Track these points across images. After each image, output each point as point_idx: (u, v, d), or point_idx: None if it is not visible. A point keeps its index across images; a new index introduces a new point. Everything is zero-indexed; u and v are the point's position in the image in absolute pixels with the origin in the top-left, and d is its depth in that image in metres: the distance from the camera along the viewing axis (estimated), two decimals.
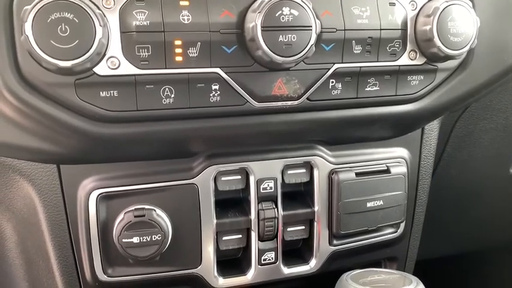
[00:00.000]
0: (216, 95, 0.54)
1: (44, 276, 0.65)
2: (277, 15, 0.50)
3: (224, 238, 0.64)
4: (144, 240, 0.58)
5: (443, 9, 0.58)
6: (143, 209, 0.59)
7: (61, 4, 0.45)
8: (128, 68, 0.50)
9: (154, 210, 0.59)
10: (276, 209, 0.65)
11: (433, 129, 0.75)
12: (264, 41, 0.50)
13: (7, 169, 0.58)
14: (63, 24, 0.45)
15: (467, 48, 0.59)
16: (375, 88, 0.60)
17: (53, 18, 0.45)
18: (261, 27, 0.50)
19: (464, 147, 0.92)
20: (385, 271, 0.57)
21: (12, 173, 0.59)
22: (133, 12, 0.49)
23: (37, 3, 0.45)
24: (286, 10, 0.51)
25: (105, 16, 0.48)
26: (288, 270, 0.68)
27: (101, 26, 0.46)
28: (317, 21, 0.52)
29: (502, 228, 1.17)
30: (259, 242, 0.65)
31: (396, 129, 0.69)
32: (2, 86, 0.49)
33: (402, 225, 0.73)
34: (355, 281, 0.53)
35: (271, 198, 0.65)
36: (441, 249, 1.20)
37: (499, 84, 0.72)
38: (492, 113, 0.88)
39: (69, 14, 0.46)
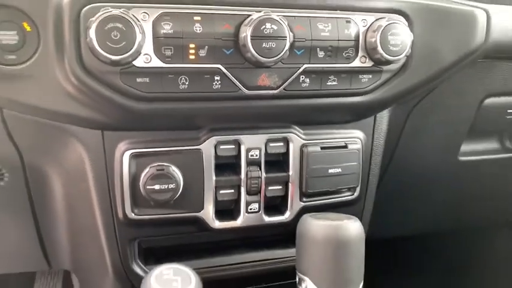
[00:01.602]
0: (217, 83, 0.76)
1: (84, 215, 0.86)
2: (261, 28, 0.72)
3: (221, 192, 0.86)
4: (162, 188, 0.79)
5: (385, 26, 0.79)
6: (163, 165, 0.80)
7: (114, 17, 0.67)
8: (156, 62, 0.72)
9: (171, 167, 0.81)
10: (260, 172, 0.86)
11: (383, 117, 0.97)
12: (252, 47, 0.72)
13: (65, 133, 0.80)
14: (115, 31, 0.67)
15: (403, 55, 0.81)
16: (334, 83, 0.82)
17: (109, 26, 0.67)
18: (250, 36, 0.71)
19: (417, 137, 1.12)
20: (334, 213, 0.79)
21: (69, 136, 0.80)
22: (162, 24, 0.71)
23: (98, 17, 0.66)
24: (268, 25, 0.72)
25: (142, 26, 0.69)
26: (268, 219, 0.89)
27: (140, 33, 0.68)
28: (290, 33, 0.74)
29: (453, 210, 1.38)
30: (247, 195, 0.87)
31: (352, 115, 0.91)
32: (69, 73, 0.71)
33: (358, 189, 0.95)
34: (312, 217, 0.74)
35: (256, 163, 0.86)
36: (399, 230, 1.39)
37: (434, 83, 0.94)
38: (438, 109, 1.08)
39: (119, 24, 0.67)
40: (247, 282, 0.98)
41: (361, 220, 0.75)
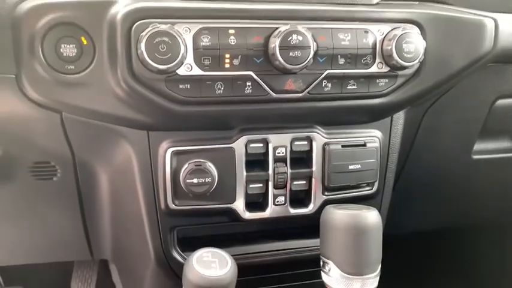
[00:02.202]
0: (249, 88, 0.85)
1: (129, 207, 0.97)
2: (288, 39, 0.81)
3: (251, 186, 0.95)
4: (200, 181, 0.89)
5: (400, 35, 0.87)
6: (200, 161, 0.90)
7: (161, 32, 0.77)
8: (196, 71, 0.81)
9: (207, 163, 0.90)
10: (286, 168, 0.95)
11: (399, 117, 1.05)
12: (280, 55, 0.81)
13: (115, 133, 0.90)
14: (162, 44, 0.77)
15: (417, 61, 0.89)
16: (354, 87, 0.91)
17: (157, 40, 0.77)
18: (278, 47, 0.81)
19: (431, 136, 1.20)
20: (354, 205, 0.87)
21: (118, 136, 0.91)
22: (201, 37, 0.81)
23: (148, 32, 0.77)
24: (294, 36, 0.81)
25: (185, 39, 0.79)
26: (293, 211, 0.98)
27: (183, 45, 0.78)
28: (314, 43, 0.83)
29: (466, 207, 1.44)
30: (274, 189, 0.96)
31: (370, 116, 1.00)
32: (121, 80, 0.81)
33: (376, 184, 1.03)
34: (334, 208, 0.83)
35: (283, 160, 0.96)
36: (413, 226, 1.46)
37: (446, 86, 1.01)
38: (451, 109, 1.16)
39: (166, 38, 0.77)
40: (274, 269, 1.07)
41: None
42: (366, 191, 1.03)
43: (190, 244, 1.02)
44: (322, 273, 0.84)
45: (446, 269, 1.84)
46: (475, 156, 1.29)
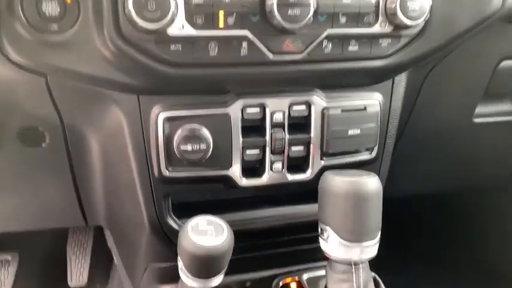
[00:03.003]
0: (244, 50, 0.81)
1: (122, 174, 0.94)
2: None
3: (247, 152, 0.92)
4: (195, 148, 0.86)
5: None
6: (194, 127, 0.86)
7: None
8: (188, 30, 0.76)
9: (201, 129, 0.87)
10: (283, 133, 0.92)
11: (401, 80, 1.01)
12: (278, 13, 0.76)
13: (103, 97, 0.86)
14: (151, 1, 0.72)
15: (422, 20, 0.84)
16: (355, 48, 0.86)
17: None
18: (276, 4, 0.75)
19: (433, 99, 1.16)
20: (354, 170, 0.85)
21: (107, 100, 0.86)
22: None
23: None
24: None
25: None
26: (290, 177, 0.96)
27: (173, 2, 0.72)
28: (314, 0, 0.77)
29: (465, 170, 1.43)
30: (271, 155, 0.93)
31: (372, 78, 0.95)
32: (108, 41, 0.76)
33: (375, 149, 1.00)
34: (333, 174, 0.81)
35: (280, 125, 0.92)
36: (412, 189, 1.45)
37: (451, 47, 0.97)
38: (454, 72, 1.12)
39: None
40: (271, 235, 1.06)
41: None
42: (365, 156, 1.00)
43: (186, 210, 1.00)
44: (320, 239, 0.82)
45: (444, 232, 1.85)
46: (476, 120, 1.26)
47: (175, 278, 1.10)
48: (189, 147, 0.86)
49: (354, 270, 0.79)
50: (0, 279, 1.59)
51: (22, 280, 1.73)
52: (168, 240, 0.98)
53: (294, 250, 1.09)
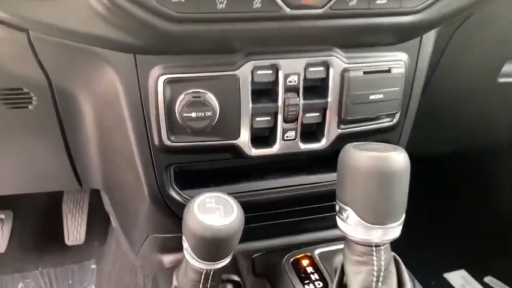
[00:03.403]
0: (257, 2, 0.69)
1: (118, 141, 0.85)
2: None
3: (257, 119, 0.83)
4: (199, 115, 0.76)
5: None
6: (199, 92, 0.77)
7: None
8: None
9: (207, 94, 0.77)
10: (298, 98, 0.82)
11: (429, 38, 0.90)
12: None
13: (95, 57, 0.75)
14: None
15: None
16: (384, 1, 0.75)
17: None
18: None
19: (458, 58, 1.06)
20: (377, 143, 0.76)
21: (99, 60, 0.76)
22: None
23: None
24: None
25: None
26: (303, 146, 0.87)
27: None
28: None
29: (488, 131, 1.36)
30: (284, 123, 0.84)
31: (399, 36, 0.84)
32: None
33: (397, 115, 0.91)
34: (355, 147, 0.72)
35: (294, 89, 0.82)
36: (433, 149, 1.39)
37: (484, 3, 0.86)
38: (483, 29, 1.01)
39: None
40: (282, 206, 0.99)
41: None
42: (386, 123, 0.91)
43: (189, 180, 0.92)
44: (339, 219, 0.75)
45: (463, 192, 1.81)
46: (501, 79, 1.17)
47: (177, 248, 1.05)
48: (193, 114, 0.76)
49: (374, 252, 0.72)
50: None
51: (17, 239, 1.69)
52: (170, 212, 0.91)
53: (305, 219, 1.03)
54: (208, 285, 0.76)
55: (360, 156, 0.70)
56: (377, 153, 0.69)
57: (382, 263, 0.72)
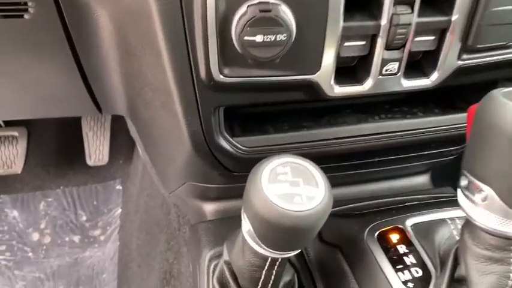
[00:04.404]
0: None
1: (149, 72, 0.62)
2: None
3: (346, 44, 0.58)
4: (267, 40, 0.51)
5: None
6: (268, 3, 0.51)
7: None
8: None
9: (280, 6, 0.51)
10: (412, 15, 0.56)
11: None
12: None
13: None
14: None
15: None
16: None
17: None
18: None
19: None
20: None
21: None
22: None
23: None
24: None
25: None
26: (407, 83, 0.62)
27: None
28: None
29: None
30: (385, 50, 0.59)
31: None
32: None
33: None
34: (508, 96, 0.47)
35: (408, 1, 0.56)
36: None
37: None
38: None
39: None
40: (359, 158, 0.77)
41: None
42: None
43: (240, 123, 0.70)
44: (464, 197, 0.52)
45: None
46: None
47: (221, 197, 0.86)
48: (258, 38, 0.51)
49: None
50: (9, 157, 1.38)
51: (34, 158, 1.54)
52: (215, 162, 0.70)
53: (384, 169, 0.82)
54: (274, 271, 0.57)
55: None
56: None
57: None
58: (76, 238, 1.52)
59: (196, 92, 0.59)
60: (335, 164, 0.75)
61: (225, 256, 0.64)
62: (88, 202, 1.60)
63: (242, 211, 0.53)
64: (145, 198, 1.33)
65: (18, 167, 1.41)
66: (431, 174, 0.96)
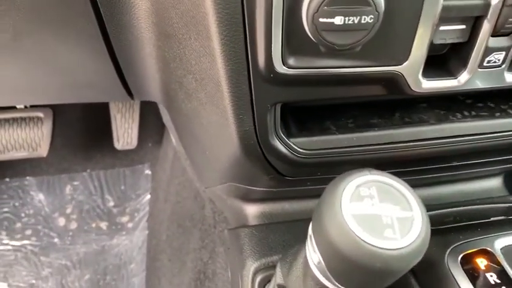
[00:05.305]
0: None
1: (193, 59, 0.51)
2: None
3: (442, 28, 0.46)
4: (349, 22, 0.40)
5: None
6: None
7: None
8: None
9: None
10: None
11: None
12: None
13: None
14: None
15: None
16: None
17: None
18: None
19: None
20: None
21: None
22: None
23: None
24: None
25: None
26: (511, 77, 0.51)
27: None
28: None
29: None
30: (491, 37, 0.47)
31: None
32: None
33: None
34: None
35: None
36: None
37: None
38: None
39: None
40: (434, 162, 0.65)
41: None
42: None
43: (299, 118, 0.59)
44: None
45: None
46: None
47: (265, 199, 0.76)
48: (337, 19, 0.40)
49: None
50: (34, 140, 1.31)
51: (61, 140, 1.47)
52: (267, 165, 0.60)
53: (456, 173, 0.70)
54: None
55: None
56: None
57: None
58: (103, 224, 1.46)
59: (252, 85, 0.48)
60: (404, 169, 0.64)
61: (279, 279, 0.54)
62: (115, 186, 1.53)
63: (309, 233, 0.43)
64: (177, 187, 1.25)
65: (43, 150, 1.34)
66: (504, 176, 0.84)
